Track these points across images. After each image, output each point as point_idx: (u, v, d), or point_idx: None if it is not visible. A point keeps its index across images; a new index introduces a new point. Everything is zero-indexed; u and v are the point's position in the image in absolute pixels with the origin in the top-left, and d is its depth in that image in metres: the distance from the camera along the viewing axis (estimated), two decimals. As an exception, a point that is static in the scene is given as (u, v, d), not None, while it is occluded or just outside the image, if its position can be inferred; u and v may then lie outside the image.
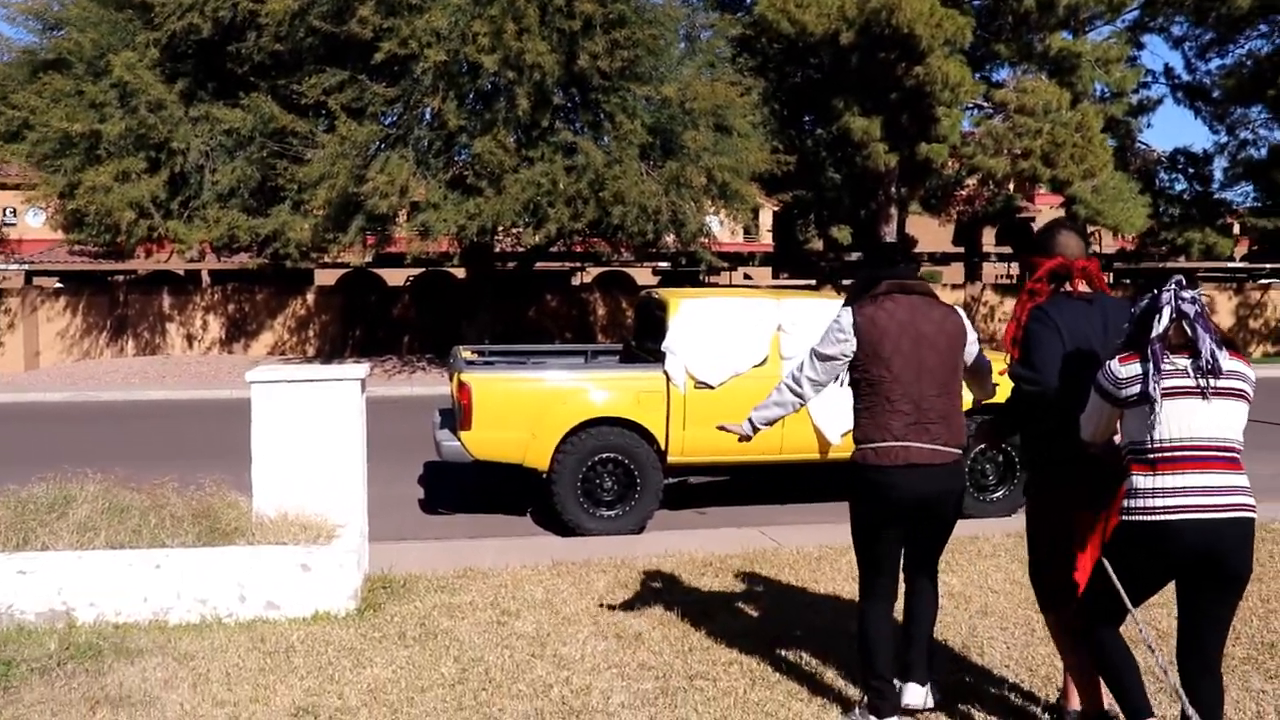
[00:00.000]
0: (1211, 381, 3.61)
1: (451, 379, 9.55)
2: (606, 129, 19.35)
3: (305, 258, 21.46)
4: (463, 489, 10.43)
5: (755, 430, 5.01)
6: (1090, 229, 24.79)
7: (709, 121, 19.66)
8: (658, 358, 9.17)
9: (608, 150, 18.98)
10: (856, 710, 4.59)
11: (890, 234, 24.59)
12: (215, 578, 5.96)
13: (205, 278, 29.44)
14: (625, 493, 8.80)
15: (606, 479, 8.79)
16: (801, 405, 4.85)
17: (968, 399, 4.80)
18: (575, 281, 33.47)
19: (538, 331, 25.98)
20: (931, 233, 38.88)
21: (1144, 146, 28.72)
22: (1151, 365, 3.62)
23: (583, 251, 28.11)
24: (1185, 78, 29.73)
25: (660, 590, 6.61)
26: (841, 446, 9.09)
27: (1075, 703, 4.43)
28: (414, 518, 9.42)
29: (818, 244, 32.33)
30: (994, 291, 28.45)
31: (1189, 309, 3.62)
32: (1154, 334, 3.63)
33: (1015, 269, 38.46)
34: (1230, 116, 29.23)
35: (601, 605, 6.27)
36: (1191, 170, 27.70)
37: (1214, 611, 3.75)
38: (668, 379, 8.87)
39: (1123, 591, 3.75)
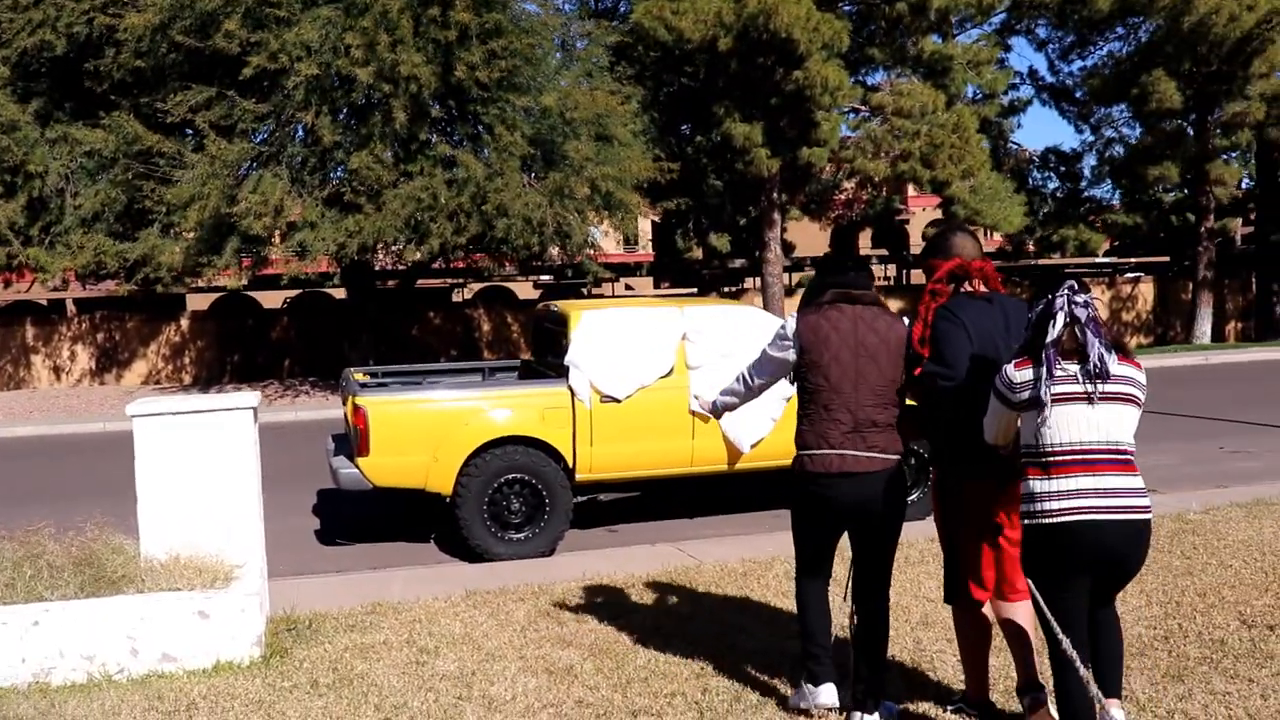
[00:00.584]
0: (1099, 386, 3.69)
1: (345, 403, 9.12)
2: (486, 141, 18.96)
3: (177, 282, 20.57)
4: (360, 518, 9.99)
5: (718, 411, 5.30)
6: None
7: (590, 131, 19.42)
8: (560, 373, 8.88)
9: (489, 163, 18.58)
10: (797, 689, 4.76)
11: (774, 239, 24.61)
12: (103, 631, 5.49)
13: (70, 306, 28.19)
14: (534, 514, 8.48)
15: (514, 500, 8.46)
16: (751, 398, 5.07)
17: None
18: (456, 298, 32.93)
19: (421, 350, 25.41)
20: (812, 237, 39.26)
21: (1016, 146, 29.35)
22: (1045, 370, 3.69)
23: (465, 267, 27.64)
24: (1050, 79, 30.46)
25: (585, 618, 6.31)
26: (751, 456, 8.90)
27: (973, 693, 4.67)
28: (312, 550, 8.96)
29: (698, 252, 32.28)
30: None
31: (1081, 313, 3.69)
32: (1049, 339, 3.70)
33: (892, 271, 39.09)
34: (1094, 116, 30.01)
35: (525, 638, 5.94)
36: (1063, 169, 28.35)
37: (1105, 600, 3.92)
38: (572, 394, 8.58)
39: (1050, 618, 3.78)
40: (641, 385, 8.68)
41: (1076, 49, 30.24)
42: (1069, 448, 3.71)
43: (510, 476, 8.42)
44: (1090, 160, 28.08)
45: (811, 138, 22.32)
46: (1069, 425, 3.71)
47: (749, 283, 40.13)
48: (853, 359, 4.50)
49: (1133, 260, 35.85)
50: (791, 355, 4.63)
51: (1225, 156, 26.35)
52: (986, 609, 4.51)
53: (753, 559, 7.52)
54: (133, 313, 24.83)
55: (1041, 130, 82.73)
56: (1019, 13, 26.11)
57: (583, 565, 7.62)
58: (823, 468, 4.46)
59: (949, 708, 4.75)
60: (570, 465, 8.59)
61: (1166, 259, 33.18)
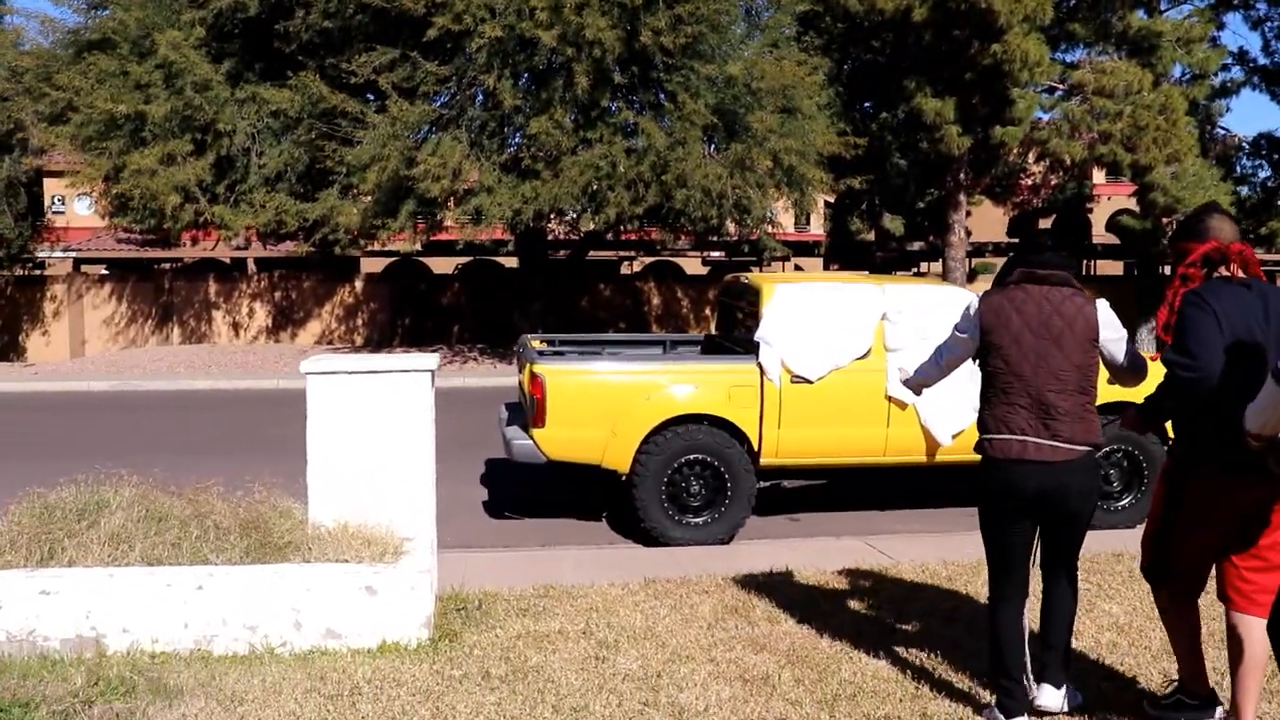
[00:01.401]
0: None
1: (521, 370, 8.73)
2: (669, 109, 18.46)
3: (354, 244, 20.72)
4: (529, 490, 9.61)
5: (915, 385, 5.14)
6: (1166, 219, 23.62)
7: (775, 102, 18.73)
8: (747, 349, 8.32)
9: (670, 131, 18.08)
10: (984, 712, 4.48)
11: (959, 221, 23.52)
12: (267, 601, 5.15)
13: (251, 265, 28.86)
14: (714, 498, 7.93)
15: (694, 483, 7.93)
16: (944, 376, 4.93)
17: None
18: (625, 271, 32.65)
19: (590, 321, 25.16)
20: (991, 223, 37.74)
21: (1224, 132, 27.40)
22: None
23: (636, 239, 27.31)
24: (1263, 61, 28.43)
25: (778, 617, 5.74)
26: (951, 449, 8.19)
27: (1192, 685, 4.36)
28: (480, 522, 8.61)
29: (871, 234, 31.24)
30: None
31: None
32: None
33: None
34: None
35: (713, 637, 5.40)
36: (1275, 156, 26.35)
37: None
38: (762, 372, 8.00)
39: None
40: (836, 366, 8.05)
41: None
42: None
43: (691, 457, 7.89)
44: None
45: (1005, 116, 21.16)
46: None
47: (925, 266, 38.90)
48: (1034, 341, 4.28)
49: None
50: (973, 337, 4.47)
51: None
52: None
53: (956, 562, 6.82)
54: (309, 273, 25.21)
55: (1251, 115, 77.27)
56: (1238, -13, 24.33)
57: (768, 557, 7.03)
58: (1003, 453, 4.28)
59: (1166, 697, 4.47)
60: (755, 448, 8.02)
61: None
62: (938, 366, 4.85)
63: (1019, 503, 4.29)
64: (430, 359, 5.79)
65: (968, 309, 4.56)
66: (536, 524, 8.57)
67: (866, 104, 24.66)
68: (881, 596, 6.17)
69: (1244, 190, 26.21)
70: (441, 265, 29.18)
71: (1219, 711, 4.31)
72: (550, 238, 24.39)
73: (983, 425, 4.42)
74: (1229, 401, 3.78)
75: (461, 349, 22.96)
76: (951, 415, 8.13)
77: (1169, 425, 4.45)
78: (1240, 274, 4.04)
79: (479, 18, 17.05)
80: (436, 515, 5.95)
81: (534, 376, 7.90)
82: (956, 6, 19.29)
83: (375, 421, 5.65)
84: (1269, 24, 28.44)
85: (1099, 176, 33.05)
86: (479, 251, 27.75)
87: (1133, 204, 43.23)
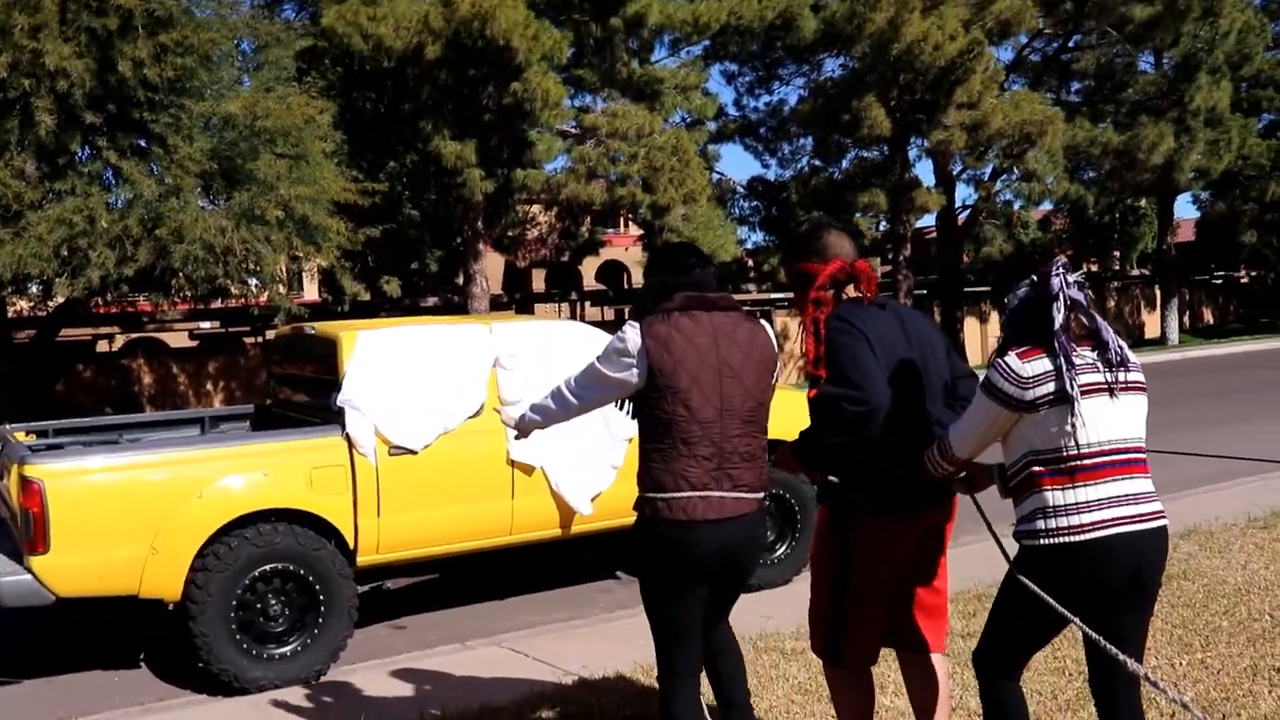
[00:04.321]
0: (1120, 375, 3.24)
1: (4, 475, 6.28)
2: (157, 154, 15.81)
3: None
4: (20, 636, 7.08)
5: (524, 431, 4.32)
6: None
7: (282, 145, 16.68)
8: (323, 418, 6.47)
9: (160, 179, 15.48)
10: None
11: (480, 272, 22.49)
12: None
13: None
14: (303, 618, 5.99)
15: (274, 601, 5.94)
16: (571, 418, 4.13)
17: None
18: (103, 348, 28.73)
19: (70, 408, 21.33)
20: (496, 276, 37.44)
21: (720, 175, 28.57)
22: (1064, 360, 3.16)
23: (119, 313, 23.97)
24: (735, 114, 30.07)
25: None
26: (590, 516, 6.77)
27: None
28: (-46, 698, 6.05)
29: (367, 296, 29.58)
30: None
31: (1078, 295, 3.23)
32: (1056, 325, 3.16)
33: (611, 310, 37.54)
34: (784, 149, 29.82)
35: None
36: (769, 197, 27.78)
37: (1138, 630, 3.31)
38: (350, 446, 6.16)
39: (1058, 606, 3.16)
40: (445, 429, 6.39)
41: (763, 85, 30.07)
42: (1099, 448, 3.18)
43: (267, 568, 5.90)
44: (796, 191, 27.51)
45: (525, 159, 20.46)
46: (1096, 422, 3.18)
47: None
48: (715, 380, 3.68)
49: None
50: (634, 377, 3.70)
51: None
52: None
53: (644, 663, 5.33)
54: None
55: (730, 163, 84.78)
56: (723, 38, 25.26)
57: (393, 694, 5.21)
58: (682, 514, 3.62)
59: None
60: (351, 545, 6.17)
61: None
62: (565, 408, 3.99)
63: (702, 567, 3.67)
64: None
65: (620, 342, 3.74)
66: (42, 685, 6.15)
67: (374, 152, 23.08)
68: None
69: (744, 230, 27.41)
70: None
71: None
72: (11, 315, 20.59)
73: (653, 482, 3.68)
74: (893, 431, 3.46)
75: (-98, 455, 18.67)
76: (589, 477, 6.74)
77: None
78: (866, 293, 3.71)
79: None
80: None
81: (25, 482, 5.55)
82: (473, 44, 18.20)
83: None
84: (740, 79, 30.24)
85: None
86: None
87: (622, 254, 44.94)
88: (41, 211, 14.63)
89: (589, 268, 44.05)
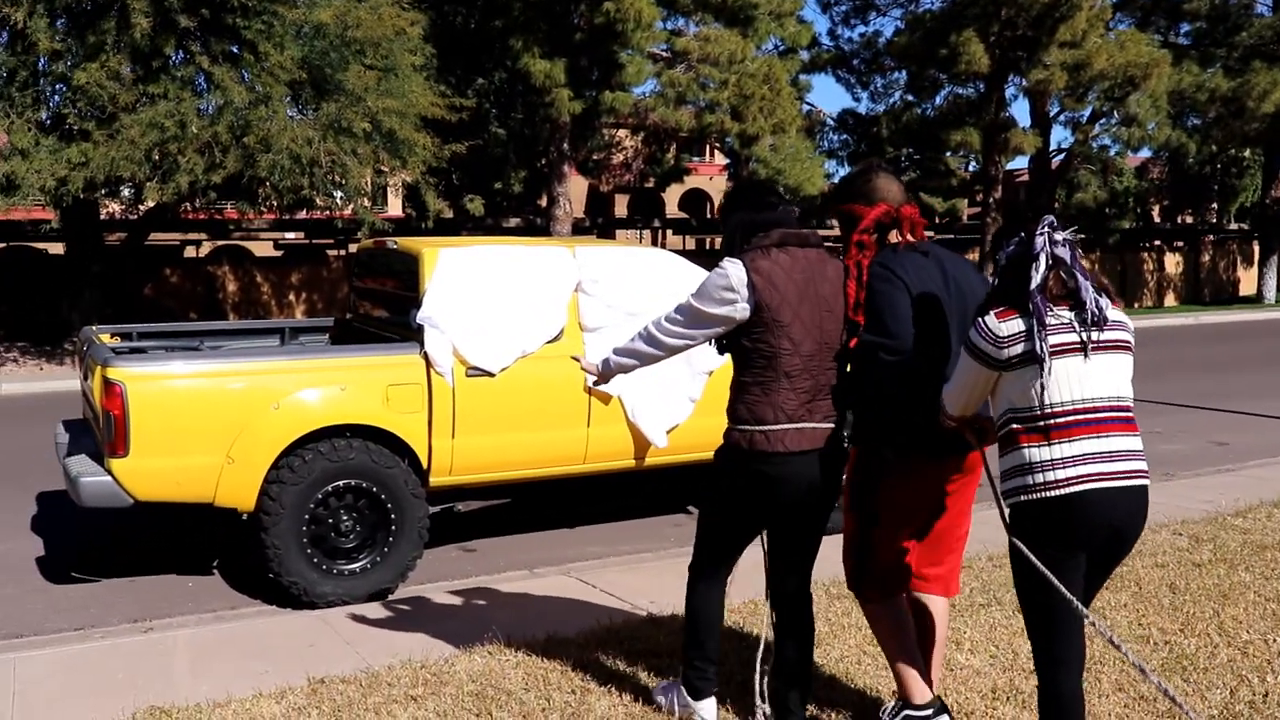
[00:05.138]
0: (1095, 335, 3.26)
1: (87, 376, 6.32)
2: (248, 61, 15.82)
3: None
4: (105, 536, 7.19)
5: (609, 373, 4.14)
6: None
7: (372, 56, 16.58)
8: (403, 335, 6.42)
9: (251, 87, 15.49)
10: (666, 683, 4.17)
11: (564, 195, 22.32)
12: None
13: None
14: (374, 535, 5.98)
15: (345, 518, 5.93)
16: (658, 361, 4.05)
17: None
18: (190, 254, 29.11)
19: (157, 313, 21.76)
20: (579, 200, 37.27)
21: (810, 107, 28.02)
22: (1035, 321, 3.22)
23: (206, 220, 24.27)
24: (829, 45, 29.40)
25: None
26: (665, 449, 6.66)
27: (918, 695, 3.84)
28: (35, 594, 6.14)
29: (450, 214, 29.57)
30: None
31: (1064, 253, 3.26)
32: (1033, 285, 3.23)
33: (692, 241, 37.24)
34: (872, 85, 29.18)
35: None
36: (859, 131, 27.20)
37: (1097, 583, 3.41)
38: (428, 365, 6.09)
39: (1054, 579, 3.18)
40: (524, 353, 6.28)
41: (858, 15, 29.38)
42: (1072, 407, 3.22)
43: (340, 483, 5.88)
44: (888, 125, 26.90)
45: (615, 81, 20.16)
46: (1070, 381, 3.22)
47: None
48: (815, 314, 3.72)
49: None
50: (738, 311, 3.69)
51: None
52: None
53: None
54: None
55: (821, 94, 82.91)
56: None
57: (463, 615, 5.19)
58: (781, 446, 3.66)
59: (890, 711, 3.93)
60: (424, 465, 6.13)
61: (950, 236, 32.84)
62: (658, 348, 3.92)
63: (781, 501, 3.72)
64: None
65: (722, 277, 3.71)
66: (120, 587, 6.24)
67: (463, 67, 22.94)
68: (647, 658, 4.51)
69: (832, 164, 26.91)
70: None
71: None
72: (104, 217, 20.89)
73: (751, 414, 3.72)
74: (923, 378, 3.58)
75: (-5, 349, 19.12)
76: (666, 409, 6.62)
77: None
78: (911, 238, 3.77)
79: (1, -63, 13.76)
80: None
81: (108, 384, 5.56)
82: (566, -40, 17.98)
83: None
84: (835, 8, 29.52)
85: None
86: (15, 236, 23.62)
87: (706, 183, 44.50)
88: (134, 115, 14.75)
89: (672, 195, 43.74)
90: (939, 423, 3.54)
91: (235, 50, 16.12)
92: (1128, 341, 3.33)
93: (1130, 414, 3.31)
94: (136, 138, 14.62)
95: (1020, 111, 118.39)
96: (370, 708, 4.11)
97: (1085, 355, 3.23)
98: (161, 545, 6.97)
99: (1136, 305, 33.72)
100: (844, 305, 3.76)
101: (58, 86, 15.61)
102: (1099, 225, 33.44)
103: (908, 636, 3.87)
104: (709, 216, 41.40)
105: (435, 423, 6.10)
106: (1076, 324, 3.24)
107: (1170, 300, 33.02)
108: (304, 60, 16.06)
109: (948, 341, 3.64)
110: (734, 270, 3.69)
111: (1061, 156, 29.64)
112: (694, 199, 47.08)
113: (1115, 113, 26.49)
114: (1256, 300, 31.01)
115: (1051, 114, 27.37)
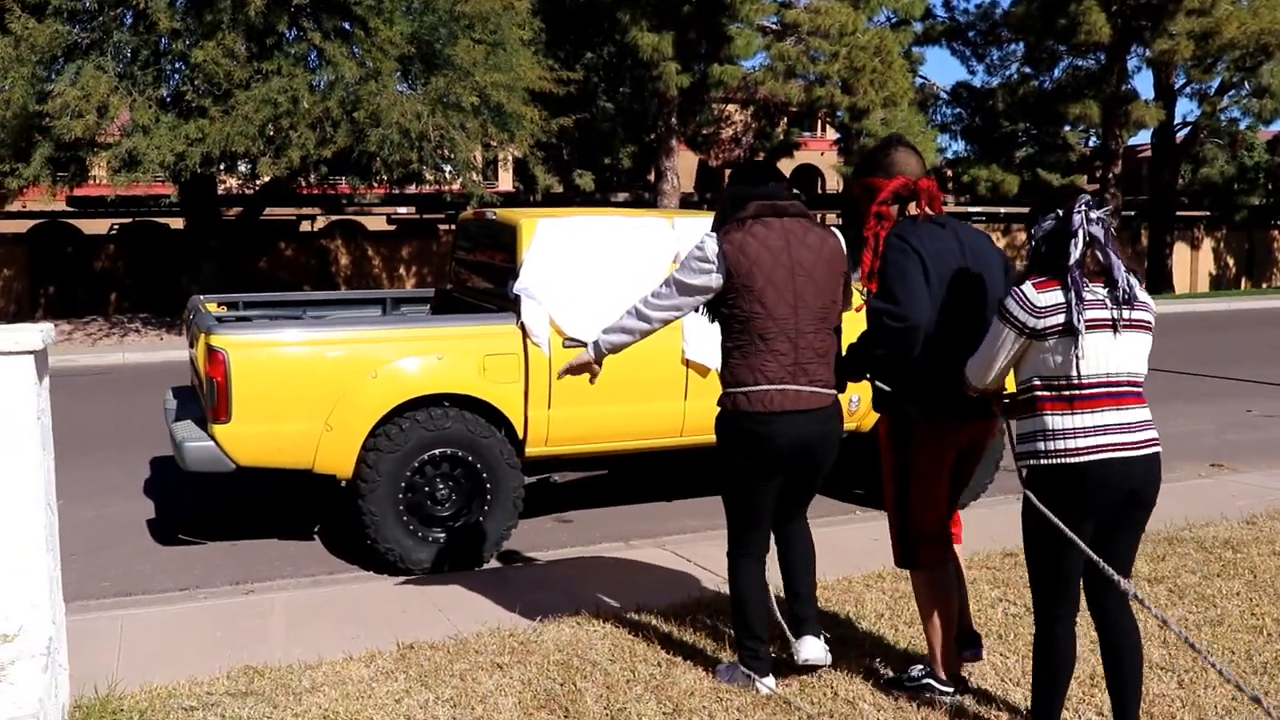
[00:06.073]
0: (1125, 313, 3.36)
1: (194, 344, 6.45)
2: (358, 37, 16.04)
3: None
4: (210, 501, 7.34)
5: (600, 354, 4.35)
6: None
7: (480, 31, 16.67)
8: (501, 305, 6.40)
9: (361, 62, 15.69)
10: (725, 665, 4.22)
11: (671, 169, 22.25)
12: None
13: None
14: (469, 504, 6.00)
15: (441, 486, 5.96)
16: (648, 335, 4.32)
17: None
18: (305, 229, 29.70)
19: (271, 285, 22.26)
20: (688, 175, 37.11)
21: (922, 80, 27.45)
22: (1074, 294, 3.31)
23: (320, 195, 24.67)
24: (944, 16, 28.74)
25: (603, 690, 3.89)
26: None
27: (945, 670, 3.97)
28: (144, 554, 6.30)
29: (560, 189, 29.66)
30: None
31: (1098, 232, 3.35)
32: (1071, 260, 3.32)
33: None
34: (987, 57, 28.46)
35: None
36: (974, 105, 26.57)
37: (1127, 545, 3.51)
38: (525, 335, 6.08)
39: (1068, 531, 3.33)
40: (620, 324, 6.23)
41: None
42: (1099, 379, 3.36)
43: (436, 452, 5.90)
44: (1003, 98, 26.23)
45: (723, 54, 19.97)
46: (1099, 355, 3.36)
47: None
48: (789, 279, 3.93)
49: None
50: (713, 280, 3.95)
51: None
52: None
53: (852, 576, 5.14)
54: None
55: (934, 67, 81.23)
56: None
57: (557, 586, 5.18)
58: (761, 406, 3.90)
59: (913, 678, 4.02)
60: (520, 435, 6.12)
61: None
62: (646, 322, 4.20)
63: (776, 459, 3.96)
64: (31, 334, 3.53)
65: (699, 250, 3.99)
66: (224, 550, 6.36)
67: (571, 41, 22.95)
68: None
69: (945, 139, 26.34)
70: (96, 227, 25.37)
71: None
72: (221, 191, 21.40)
73: (733, 378, 3.99)
74: (945, 346, 3.69)
75: (120, 319, 19.72)
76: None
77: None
78: (928, 210, 3.89)
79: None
80: (83, 543, 3.75)
81: (211, 352, 5.65)
82: (674, -68, 17.83)
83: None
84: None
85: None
86: (139, 210, 24.35)
87: (817, 158, 43.93)
88: (249, 91, 15.03)
89: (783, 170, 43.36)
90: (963, 392, 3.67)
91: (346, 26, 16.35)
92: (1151, 322, 3.46)
93: (1141, 388, 3.46)
94: (251, 114, 14.94)
95: (1143, 83, 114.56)
96: (456, 674, 4.11)
97: (1115, 331, 3.35)
98: (264, 510, 7.10)
99: (1266, 285, 32.50)
100: (842, 272, 4.05)
101: (177, 65, 16.00)
102: (1226, 201, 32.25)
103: (950, 609, 3.97)
104: (820, 192, 40.96)
105: (531, 393, 6.09)
106: (1109, 301, 3.36)
107: (1302, 279, 31.73)
108: (413, 35, 16.23)
109: (963, 312, 3.74)
110: (709, 243, 3.97)
111: (1186, 130, 28.62)
112: (805, 174, 46.57)
113: (1246, 84, 25.50)
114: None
115: (1176, 86, 26.42)
